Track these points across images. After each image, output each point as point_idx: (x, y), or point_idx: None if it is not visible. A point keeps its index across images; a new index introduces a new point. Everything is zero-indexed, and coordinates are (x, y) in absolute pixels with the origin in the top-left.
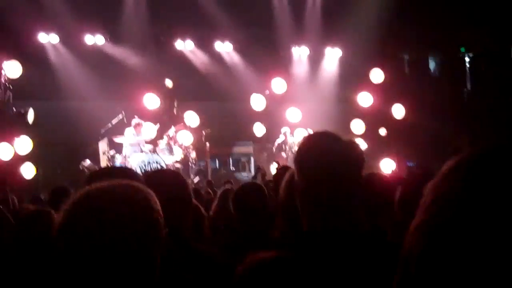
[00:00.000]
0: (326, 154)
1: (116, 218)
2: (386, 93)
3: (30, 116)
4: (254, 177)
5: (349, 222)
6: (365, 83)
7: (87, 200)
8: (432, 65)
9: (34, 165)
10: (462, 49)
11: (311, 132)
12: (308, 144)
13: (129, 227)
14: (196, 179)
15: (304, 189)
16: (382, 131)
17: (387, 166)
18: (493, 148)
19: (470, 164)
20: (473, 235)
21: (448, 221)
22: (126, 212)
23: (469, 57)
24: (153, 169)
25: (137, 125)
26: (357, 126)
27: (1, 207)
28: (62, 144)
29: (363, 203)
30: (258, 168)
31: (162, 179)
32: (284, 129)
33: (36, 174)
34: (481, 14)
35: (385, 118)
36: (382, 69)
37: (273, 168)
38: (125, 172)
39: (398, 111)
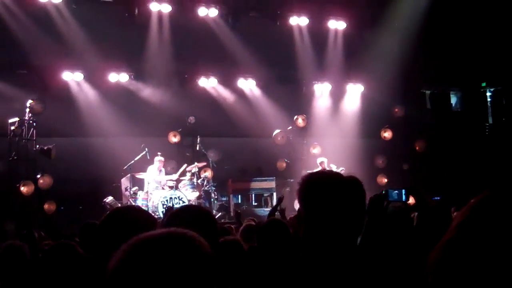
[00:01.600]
0: (328, 192)
1: (173, 268)
2: (408, 128)
3: (53, 152)
4: (275, 208)
5: (344, 252)
6: (387, 119)
7: (143, 246)
8: (453, 100)
9: (56, 201)
10: (483, 84)
11: (334, 167)
12: (311, 181)
13: (186, 277)
14: (218, 215)
15: (306, 221)
16: (405, 166)
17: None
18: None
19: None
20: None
21: (465, 242)
22: (182, 262)
23: (490, 91)
24: (175, 205)
25: (160, 162)
26: (379, 161)
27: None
28: (85, 181)
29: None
30: (279, 199)
31: (188, 214)
32: (321, 160)
33: (58, 211)
34: (502, 49)
35: (407, 153)
36: (404, 104)
37: (296, 203)
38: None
39: (420, 146)
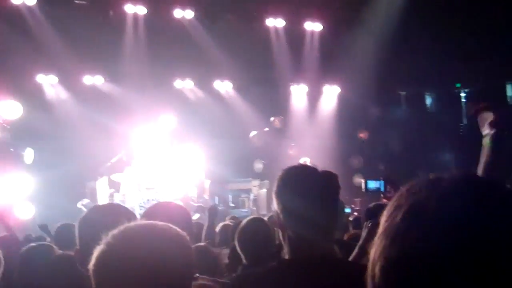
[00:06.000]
0: (301, 185)
1: (155, 257)
2: (384, 129)
3: (28, 155)
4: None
5: (320, 250)
6: (364, 119)
7: (125, 237)
8: (428, 100)
9: (31, 204)
10: (458, 85)
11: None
12: (285, 177)
13: (168, 266)
14: (196, 216)
15: (281, 220)
16: (381, 166)
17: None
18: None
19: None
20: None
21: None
22: (165, 251)
23: (464, 92)
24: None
25: (138, 164)
26: (356, 162)
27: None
28: (60, 184)
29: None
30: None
31: (166, 210)
32: (303, 160)
33: (34, 215)
34: (476, 51)
35: (383, 153)
36: (380, 105)
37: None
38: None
39: (396, 146)
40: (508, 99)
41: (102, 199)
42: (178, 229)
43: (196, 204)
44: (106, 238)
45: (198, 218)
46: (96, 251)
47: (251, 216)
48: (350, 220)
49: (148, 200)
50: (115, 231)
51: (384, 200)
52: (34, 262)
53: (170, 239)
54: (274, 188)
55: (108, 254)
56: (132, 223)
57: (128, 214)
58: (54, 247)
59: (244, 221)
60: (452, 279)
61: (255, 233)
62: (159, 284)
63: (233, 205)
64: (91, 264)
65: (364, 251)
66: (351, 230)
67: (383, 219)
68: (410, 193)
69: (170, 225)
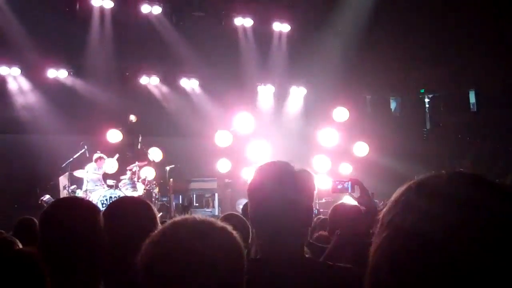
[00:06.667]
0: (273, 185)
1: (207, 254)
2: (349, 131)
3: None
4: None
5: (291, 249)
6: (329, 121)
7: (176, 233)
8: (393, 105)
9: None
10: (422, 90)
11: None
12: (258, 175)
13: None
14: (159, 215)
15: (253, 218)
16: (344, 168)
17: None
18: (422, 180)
19: (407, 194)
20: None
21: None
22: (217, 249)
23: (428, 98)
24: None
25: (99, 159)
26: (320, 163)
27: None
28: (21, 179)
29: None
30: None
31: (127, 205)
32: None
33: None
34: (440, 57)
35: (347, 155)
36: (345, 108)
37: (239, 204)
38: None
39: (361, 149)
40: (471, 106)
41: (64, 195)
42: (228, 227)
43: (159, 202)
44: (156, 237)
45: (160, 217)
46: (145, 249)
47: (228, 212)
48: (317, 222)
49: (110, 197)
50: (164, 229)
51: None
52: None
53: (222, 239)
54: (248, 186)
55: (160, 253)
56: (180, 218)
57: (91, 208)
58: (16, 241)
59: (221, 217)
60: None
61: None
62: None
63: (197, 204)
64: (140, 262)
65: (331, 258)
66: (318, 232)
67: (384, 215)
68: (406, 191)
69: (219, 223)
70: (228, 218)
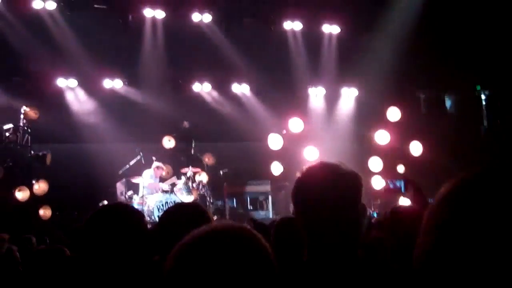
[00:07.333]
0: (319, 187)
1: (234, 263)
2: (403, 131)
3: (48, 158)
4: None
5: (342, 253)
6: (382, 122)
7: (202, 242)
8: (448, 103)
9: (52, 207)
10: (478, 87)
11: None
12: (303, 178)
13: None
14: (214, 219)
15: (301, 223)
16: (400, 169)
17: (406, 202)
18: (475, 176)
19: (456, 191)
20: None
21: (444, 242)
22: (244, 257)
23: (485, 94)
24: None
25: (157, 168)
26: (375, 164)
27: (15, 247)
28: (80, 186)
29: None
30: None
31: (183, 211)
32: None
33: (53, 217)
34: (496, 52)
35: (402, 156)
36: (399, 107)
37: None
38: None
39: (416, 148)
40: None
41: (121, 201)
42: (256, 234)
43: (214, 206)
44: (178, 245)
45: (215, 220)
46: (170, 257)
47: (283, 216)
48: (373, 223)
49: (166, 202)
50: (190, 237)
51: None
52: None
53: (248, 248)
54: (292, 189)
55: (182, 261)
56: (204, 229)
57: (135, 215)
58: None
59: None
60: None
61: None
62: None
63: (251, 207)
64: (165, 269)
65: None
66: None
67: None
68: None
69: (247, 229)
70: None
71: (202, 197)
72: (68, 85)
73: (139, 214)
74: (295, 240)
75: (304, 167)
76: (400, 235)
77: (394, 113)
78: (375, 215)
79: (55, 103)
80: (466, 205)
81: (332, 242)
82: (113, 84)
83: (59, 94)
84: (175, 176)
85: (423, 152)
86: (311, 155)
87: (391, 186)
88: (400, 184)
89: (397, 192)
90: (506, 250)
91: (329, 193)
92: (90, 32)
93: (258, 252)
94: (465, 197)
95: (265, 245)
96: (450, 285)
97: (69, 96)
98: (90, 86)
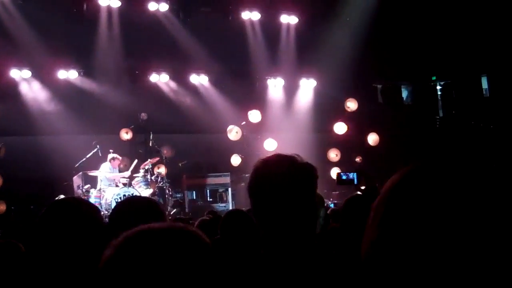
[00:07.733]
0: (275, 179)
1: (172, 258)
2: (361, 122)
3: (2, 151)
4: None
5: (298, 245)
6: (340, 113)
7: (140, 237)
8: (404, 93)
9: (7, 201)
10: (433, 78)
11: None
12: (259, 170)
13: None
14: (174, 211)
15: (257, 215)
16: (358, 159)
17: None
18: (414, 171)
19: (396, 186)
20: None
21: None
22: (182, 254)
23: (440, 85)
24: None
25: (113, 160)
26: (334, 155)
27: None
28: (36, 180)
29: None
30: None
31: (136, 205)
32: None
33: (8, 211)
34: (451, 42)
35: (360, 146)
36: (356, 98)
37: None
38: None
39: (373, 139)
40: (484, 92)
41: (78, 195)
42: (197, 231)
43: (173, 199)
44: (118, 239)
45: (174, 213)
46: (107, 252)
47: (232, 209)
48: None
49: (124, 195)
50: (129, 232)
51: (358, 192)
52: None
53: (190, 244)
54: (248, 182)
55: (118, 255)
56: (147, 225)
57: (89, 209)
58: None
59: (226, 214)
60: None
61: (238, 226)
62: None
63: (211, 199)
64: (102, 261)
65: None
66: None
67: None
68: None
69: (189, 227)
70: (232, 214)
71: (161, 189)
72: (21, 76)
73: (93, 208)
74: (243, 232)
75: (260, 159)
76: (352, 226)
77: (351, 104)
78: (332, 206)
79: (8, 94)
80: (406, 199)
81: (288, 233)
82: (68, 74)
83: (13, 86)
84: (134, 169)
85: (380, 142)
86: (270, 147)
87: (343, 178)
88: (353, 176)
89: (349, 183)
90: (442, 241)
91: (285, 184)
92: (44, 21)
93: (198, 249)
94: (404, 191)
95: (206, 242)
96: (393, 276)
97: (23, 88)
98: (44, 77)
